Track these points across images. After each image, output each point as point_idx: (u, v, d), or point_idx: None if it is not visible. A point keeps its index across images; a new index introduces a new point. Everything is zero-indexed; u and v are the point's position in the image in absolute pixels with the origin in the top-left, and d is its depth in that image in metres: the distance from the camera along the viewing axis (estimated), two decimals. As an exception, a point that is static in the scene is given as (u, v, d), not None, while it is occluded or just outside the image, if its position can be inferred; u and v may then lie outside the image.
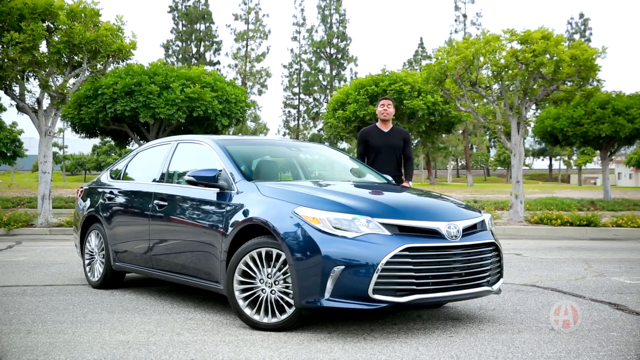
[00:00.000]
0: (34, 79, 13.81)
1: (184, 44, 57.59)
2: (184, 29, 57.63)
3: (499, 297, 5.67)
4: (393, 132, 7.14)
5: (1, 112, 25.81)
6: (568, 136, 21.58)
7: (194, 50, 57.76)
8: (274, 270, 4.39)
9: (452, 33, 59.03)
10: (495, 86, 15.50)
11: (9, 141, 24.15)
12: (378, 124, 7.20)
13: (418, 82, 19.22)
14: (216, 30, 58.10)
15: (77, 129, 18.59)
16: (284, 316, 4.33)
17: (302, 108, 59.88)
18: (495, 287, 4.64)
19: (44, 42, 13.01)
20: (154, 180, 5.86)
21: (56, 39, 12.93)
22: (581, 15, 64.67)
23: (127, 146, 21.38)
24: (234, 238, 4.63)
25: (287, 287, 4.32)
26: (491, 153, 77.95)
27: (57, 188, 25.09)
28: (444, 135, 42.37)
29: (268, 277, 4.40)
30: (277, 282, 4.37)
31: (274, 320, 4.37)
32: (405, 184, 6.99)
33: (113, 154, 59.06)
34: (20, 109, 13.70)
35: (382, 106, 7.12)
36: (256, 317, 4.42)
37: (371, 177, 5.96)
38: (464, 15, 58.88)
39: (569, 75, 14.41)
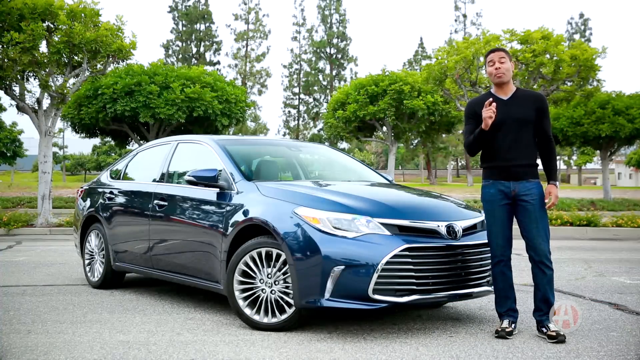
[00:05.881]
0: (34, 79, 13.82)
1: (184, 44, 57.55)
2: (184, 29, 57.59)
3: (499, 297, 5.66)
4: (518, 99, 4.45)
5: (1, 112, 25.82)
6: (568, 136, 21.56)
7: (194, 50, 57.71)
8: (274, 270, 4.39)
9: (452, 33, 59.05)
10: (495, 86, 15.50)
11: (9, 141, 24.19)
12: (493, 90, 4.56)
13: (418, 82, 19.25)
14: (216, 30, 58.05)
15: (77, 129, 18.61)
16: (284, 316, 4.33)
17: (302, 108, 59.83)
18: (495, 287, 4.64)
19: (44, 42, 13.03)
20: (154, 180, 5.87)
21: (56, 39, 12.93)
22: (581, 15, 64.59)
23: (127, 146, 21.40)
24: (234, 238, 4.63)
25: (287, 287, 4.32)
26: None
27: (57, 188, 25.08)
28: (444, 135, 42.36)
29: (268, 277, 4.40)
30: (277, 282, 4.37)
31: (274, 320, 4.37)
32: (550, 187, 4.39)
33: (113, 154, 59.00)
34: (20, 109, 13.71)
35: (490, 64, 4.46)
36: (256, 317, 4.42)
37: (371, 176, 5.96)
38: (464, 15, 58.87)
39: (569, 75, 14.43)
